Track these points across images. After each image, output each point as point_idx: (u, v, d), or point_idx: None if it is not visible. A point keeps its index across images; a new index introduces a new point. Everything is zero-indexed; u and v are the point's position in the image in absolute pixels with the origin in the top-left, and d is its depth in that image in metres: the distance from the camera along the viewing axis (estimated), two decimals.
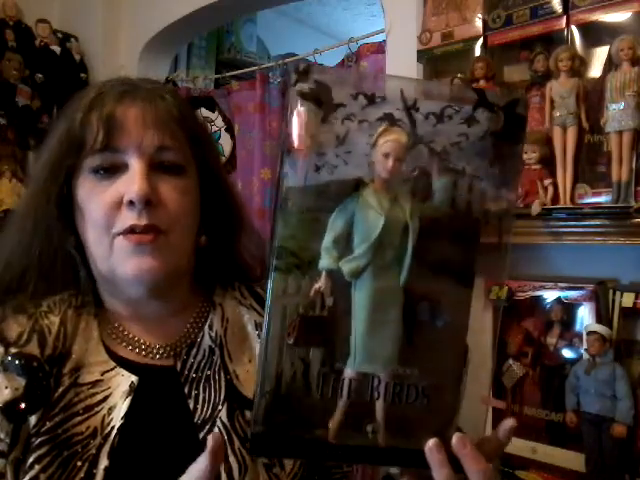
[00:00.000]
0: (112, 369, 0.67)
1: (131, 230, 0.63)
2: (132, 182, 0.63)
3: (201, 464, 0.48)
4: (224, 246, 0.76)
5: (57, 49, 2.31)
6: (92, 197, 0.65)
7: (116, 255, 0.64)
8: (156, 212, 0.64)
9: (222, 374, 0.70)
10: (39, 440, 0.61)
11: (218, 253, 0.75)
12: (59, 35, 2.34)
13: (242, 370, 0.72)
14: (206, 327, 0.73)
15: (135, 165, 0.64)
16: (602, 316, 1.26)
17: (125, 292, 0.68)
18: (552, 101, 1.30)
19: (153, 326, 0.71)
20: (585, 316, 1.29)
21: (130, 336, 0.70)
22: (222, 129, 2.36)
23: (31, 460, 0.60)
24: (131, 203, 0.63)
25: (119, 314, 0.71)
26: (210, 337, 0.72)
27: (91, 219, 0.65)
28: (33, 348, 0.64)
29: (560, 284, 1.32)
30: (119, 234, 0.64)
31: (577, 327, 1.31)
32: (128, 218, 0.63)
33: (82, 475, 0.60)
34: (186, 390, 0.68)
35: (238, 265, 0.79)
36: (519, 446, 1.33)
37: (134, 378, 0.66)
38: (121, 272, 0.65)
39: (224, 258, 0.77)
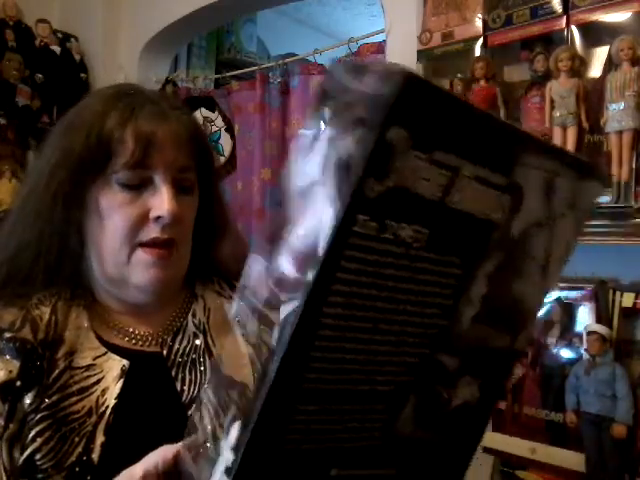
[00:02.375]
0: (104, 354, 0.71)
1: (153, 243, 0.69)
2: (162, 200, 0.68)
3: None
4: (207, 248, 0.80)
5: (57, 49, 2.31)
6: (118, 209, 0.69)
7: (134, 265, 0.69)
8: (175, 227, 0.69)
9: (206, 357, 0.76)
10: (39, 416, 0.65)
11: (201, 254, 0.79)
12: (59, 35, 2.35)
13: (225, 352, 0.74)
14: (189, 316, 0.79)
15: (163, 184, 0.68)
16: (602, 316, 1.26)
17: (130, 295, 0.73)
18: (552, 101, 1.30)
19: (142, 317, 0.76)
20: (585, 316, 1.29)
21: (120, 325, 0.74)
22: (222, 129, 2.36)
23: (32, 434, 0.64)
24: (158, 218, 0.68)
25: (111, 308, 0.75)
26: (194, 324, 0.78)
27: (114, 228, 0.69)
28: (26, 333, 0.68)
29: (560, 284, 1.32)
30: (140, 245, 0.69)
31: (577, 327, 1.31)
32: (152, 231, 0.68)
33: (80, 450, 0.65)
34: (173, 373, 0.73)
35: (217, 262, 0.83)
36: (519, 446, 1.33)
37: (125, 362, 0.71)
38: (136, 281, 0.70)
39: (206, 258, 0.81)
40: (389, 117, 0.34)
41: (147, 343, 0.74)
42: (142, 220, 0.68)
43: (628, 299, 1.24)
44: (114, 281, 0.72)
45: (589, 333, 1.25)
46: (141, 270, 0.69)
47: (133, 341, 0.74)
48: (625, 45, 1.21)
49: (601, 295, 1.27)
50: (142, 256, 0.69)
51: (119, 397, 0.68)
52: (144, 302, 0.73)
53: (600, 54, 1.28)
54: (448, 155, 0.37)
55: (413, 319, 0.41)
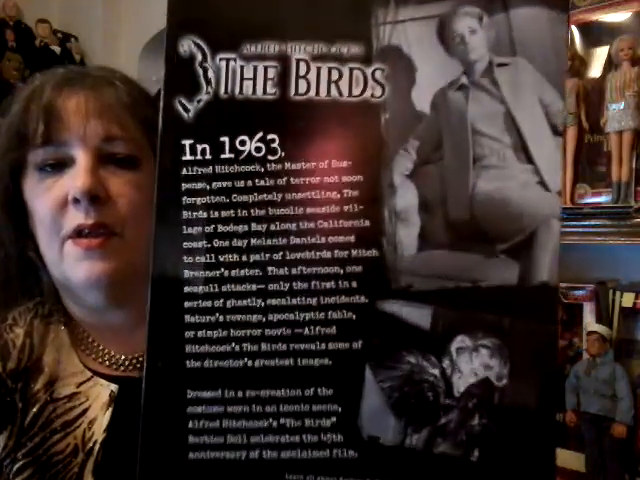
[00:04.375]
0: (89, 379, 0.62)
1: (79, 232, 0.57)
2: (76, 177, 0.57)
3: None
4: None
5: (57, 49, 2.31)
6: (38, 196, 0.59)
7: (66, 260, 0.58)
8: (105, 209, 0.57)
9: None
10: (21, 463, 0.57)
11: None
12: (59, 35, 2.35)
13: None
14: None
15: (80, 158, 0.58)
16: (602, 316, 1.26)
17: (83, 299, 0.62)
18: None
19: (123, 337, 0.65)
20: (585, 316, 1.29)
21: (100, 347, 0.65)
22: None
23: None
24: (76, 201, 0.57)
25: (85, 323, 0.65)
26: None
27: (39, 220, 0.59)
28: None
29: (560, 284, 1.32)
30: (68, 237, 0.58)
31: (577, 327, 1.31)
32: (75, 218, 0.57)
33: None
34: None
35: None
36: None
37: (114, 387, 0.62)
38: (73, 278, 0.59)
39: None
40: (171, 28, 0.31)
41: (131, 367, 0.64)
42: (63, 206, 0.58)
43: (628, 299, 1.24)
44: (62, 285, 0.63)
45: (589, 333, 1.25)
46: (72, 266, 0.58)
47: (114, 366, 0.64)
48: (625, 45, 1.21)
49: (601, 295, 1.27)
50: (70, 249, 0.58)
51: (108, 429, 0.59)
52: (97, 304, 0.61)
53: (600, 54, 1.28)
54: (262, 43, 0.32)
55: (318, 256, 0.34)
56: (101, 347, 0.65)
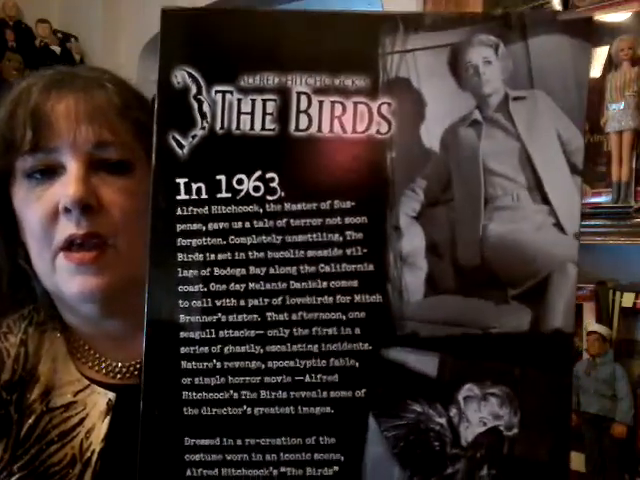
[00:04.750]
0: (86, 388, 0.61)
1: (71, 242, 0.55)
2: (67, 186, 0.54)
3: None
4: None
5: (57, 49, 2.31)
6: (27, 205, 0.56)
7: (59, 274, 0.56)
8: (98, 218, 0.55)
9: None
10: (17, 476, 0.56)
11: None
12: (59, 35, 2.35)
13: None
14: None
15: (70, 166, 0.55)
16: (602, 316, 1.26)
17: (77, 310, 0.60)
18: None
19: (119, 344, 0.63)
20: (585, 316, 1.29)
21: (96, 355, 0.63)
22: None
23: None
24: (67, 210, 0.54)
25: (81, 331, 0.63)
26: None
27: (30, 230, 0.57)
28: None
29: None
30: (60, 249, 0.55)
31: (577, 327, 1.31)
32: (66, 228, 0.54)
33: None
34: None
35: None
36: None
37: (111, 395, 0.60)
38: (66, 292, 0.57)
39: None
40: (164, 58, 0.29)
41: (127, 375, 0.63)
42: (54, 216, 0.55)
43: (628, 299, 1.24)
44: (55, 296, 0.61)
45: (589, 333, 1.25)
46: (65, 280, 0.56)
47: (111, 374, 0.63)
48: (625, 45, 1.21)
49: (601, 295, 1.27)
50: (62, 263, 0.55)
51: (106, 439, 0.58)
52: (92, 315, 0.60)
53: (600, 54, 1.28)
54: (261, 75, 0.30)
55: (319, 301, 0.33)
56: (97, 355, 0.63)
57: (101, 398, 0.60)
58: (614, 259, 1.29)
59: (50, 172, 0.56)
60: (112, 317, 0.61)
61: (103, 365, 0.63)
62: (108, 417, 0.59)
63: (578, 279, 1.20)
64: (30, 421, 0.57)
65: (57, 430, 0.58)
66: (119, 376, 0.63)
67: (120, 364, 0.63)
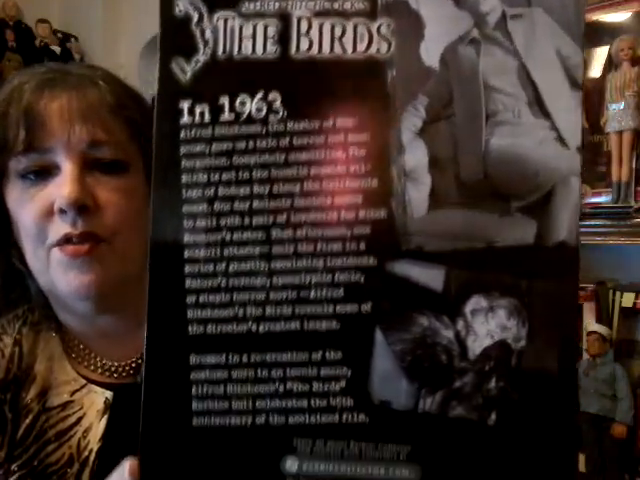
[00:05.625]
0: (82, 387, 0.60)
1: (66, 240, 0.54)
2: (62, 186, 0.54)
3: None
4: None
5: (57, 49, 2.31)
6: (22, 205, 0.56)
7: (53, 269, 0.56)
8: (94, 218, 0.55)
9: None
10: (17, 475, 0.56)
11: None
12: (59, 35, 2.35)
13: None
14: None
15: (65, 166, 0.55)
16: (602, 316, 1.26)
17: (72, 307, 0.60)
18: None
19: (115, 343, 0.63)
20: (585, 316, 1.29)
21: (92, 355, 0.63)
22: None
23: None
24: (63, 211, 0.54)
25: (76, 330, 0.63)
26: None
27: (24, 230, 0.56)
28: None
29: None
30: (54, 245, 0.55)
31: (577, 327, 1.31)
32: (62, 227, 0.54)
33: None
34: None
35: None
36: None
37: (108, 394, 0.60)
38: (61, 288, 0.56)
39: None
40: None
41: (124, 374, 0.62)
42: (49, 215, 0.55)
43: (628, 299, 1.24)
44: (50, 294, 0.60)
45: (589, 333, 1.25)
46: (60, 274, 0.55)
47: (107, 373, 0.62)
48: (625, 45, 1.21)
49: (601, 295, 1.27)
50: (56, 257, 0.55)
51: (104, 438, 0.57)
52: (86, 312, 0.59)
53: (600, 54, 1.28)
54: (262, 0, 0.31)
55: (323, 218, 0.33)
56: (93, 354, 0.63)
57: (98, 397, 0.60)
58: (614, 259, 1.29)
59: (44, 172, 0.56)
60: (106, 314, 0.60)
61: (99, 364, 0.62)
62: (105, 416, 0.59)
63: (578, 279, 1.20)
64: (27, 421, 0.57)
65: (54, 430, 0.58)
66: (115, 375, 0.62)
67: (116, 363, 0.63)
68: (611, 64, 1.24)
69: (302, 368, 0.33)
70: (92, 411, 0.59)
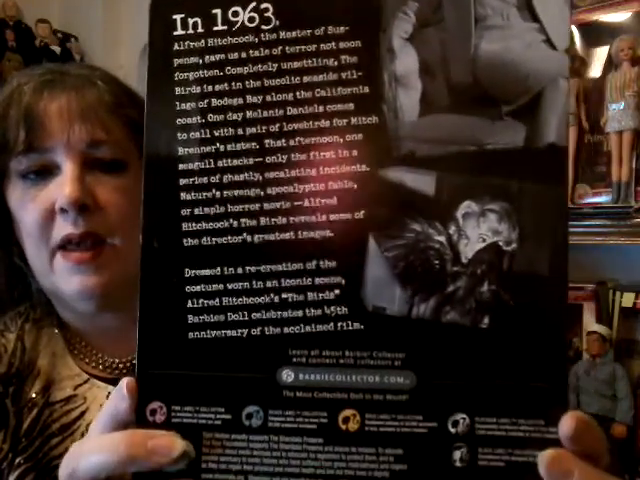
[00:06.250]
0: (85, 382, 0.61)
1: (68, 242, 0.55)
2: (62, 186, 0.55)
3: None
4: None
5: (57, 49, 2.31)
6: (23, 206, 0.57)
7: (57, 273, 0.57)
8: (95, 217, 0.56)
9: None
10: (22, 469, 0.56)
11: None
12: (59, 35, 2.35)
13: None
14: None
15: (65, 166, 0.55)
16: (602, 316, 1.26)
17: (73, 306, 0.61)
18: None
19: (116, 340, 0.63)
20: (585, 316, 1.29)
21: (93, 352, 0.64)
22: None
23: None
24: (64, 211, 0.54)
25: (77, 327, 0.64)
26: None
27: (26, 230, 0.57)
28: None
29: None
30: (58, 248, 0.56)
31: (577, 327, 1.31)
32: (63, 227, 0.55)
33: None
34: None
35: None
36: None
37: (111, 388, 0.60)
38: (65, 290, 0.57)
39: None
40: None
41: (125, 371, 0.63)
42: (50, 215, 0.56)
43: (628, 299, 1.24)
44: (52, 294, 0.61)
45: (589, 333, 1.24)
46: (64, 279, 0.56)
47: (108, 370, 0.63)
48: (625, 45, 1.21)
49: (601, 295, 1.27)
50: (60, 262, 0.56)
51: None
52: (88, 312, 0.60)
53: (600, 54, 1.28)
54: None
55: (316, 125, 0.33)
56: (94, 351, 0.63)
57: (101, 392, 0.60)
58: (614, 259, 1.29)
59: (45, 172, 0.56)
60: (108, 312, 0.61)
61: (100, 361, 0.63)
62: None
63: (578, 279, 1.20)
64: (32, 415, 0.58)
65: (58, 423, 0.59)
66: (117, 372, 0.63)
67: (117, 360, 0.63)
68: (611, 64, 1.24)
69: (297, 278, 0.33)
70: (95, 405, 0.59)
